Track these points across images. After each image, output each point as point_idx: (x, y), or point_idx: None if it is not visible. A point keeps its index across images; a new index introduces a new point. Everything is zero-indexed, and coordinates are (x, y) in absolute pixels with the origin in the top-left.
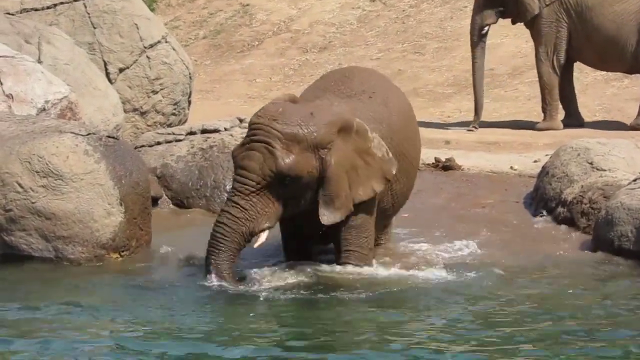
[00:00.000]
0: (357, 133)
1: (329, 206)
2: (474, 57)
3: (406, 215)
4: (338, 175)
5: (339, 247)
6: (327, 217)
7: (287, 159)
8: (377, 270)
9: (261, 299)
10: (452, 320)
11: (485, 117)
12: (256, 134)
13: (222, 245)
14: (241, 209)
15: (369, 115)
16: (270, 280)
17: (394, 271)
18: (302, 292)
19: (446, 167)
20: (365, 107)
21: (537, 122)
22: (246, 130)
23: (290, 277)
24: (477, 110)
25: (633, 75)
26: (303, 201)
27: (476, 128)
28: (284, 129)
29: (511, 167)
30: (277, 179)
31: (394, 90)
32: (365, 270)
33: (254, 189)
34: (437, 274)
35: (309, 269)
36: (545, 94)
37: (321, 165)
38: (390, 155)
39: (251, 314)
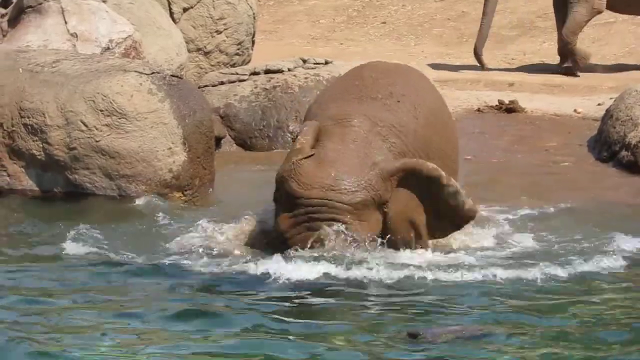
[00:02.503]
0: (428, 178)
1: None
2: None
3: (469, 157)
4: (395, 229)
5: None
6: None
7: (364, 231)
8: None
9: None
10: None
11: (549, 59)
12: (317, 211)
13: None
14: None
15: (393, 125)
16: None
17: None
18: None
19: (509, 109)
20: (389, 115)
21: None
22: (309, 70)
23: None
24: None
25: None
26: None
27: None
28: (352, 199)
29: (575, 110)
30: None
31: (428, 93)
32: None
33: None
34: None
35: None
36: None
37: (384, 219)
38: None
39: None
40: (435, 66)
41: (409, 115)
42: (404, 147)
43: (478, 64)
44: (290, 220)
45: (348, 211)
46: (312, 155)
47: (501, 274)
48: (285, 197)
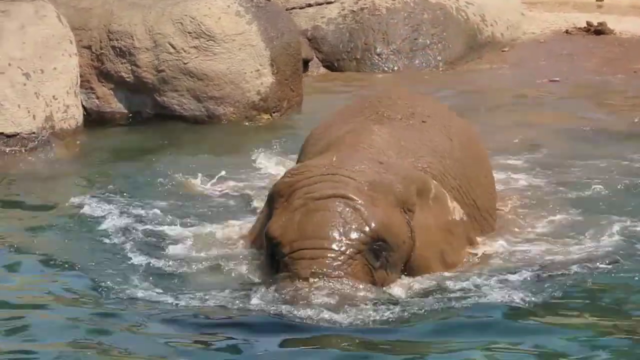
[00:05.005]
0: (435, 199)
1: None
2: None
3: (557, 79)
4: (426, 265)
5: None
6: None
7: (378, 215)
8: None
9: None
10: None
11: None
12: (319, 188)
13: None
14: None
15: (425, 145)
16: None
17: None
18: None
19: (598, 31)
20: (417, 135)
21: None
22: None
23: None
24: None
25: None
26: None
27: None
28: (363, 177)
29: None
30: (368, 247)
31: (454, 117)
32: None
33: (339, 268)
34: None
35: None
36: None
37: (411, 237)
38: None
39: None
40: None
41: (441, 135)
42: (442, 170)
43: None
44: (283, 214)
45: (357, 188)
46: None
47: None
48: (279, 202)
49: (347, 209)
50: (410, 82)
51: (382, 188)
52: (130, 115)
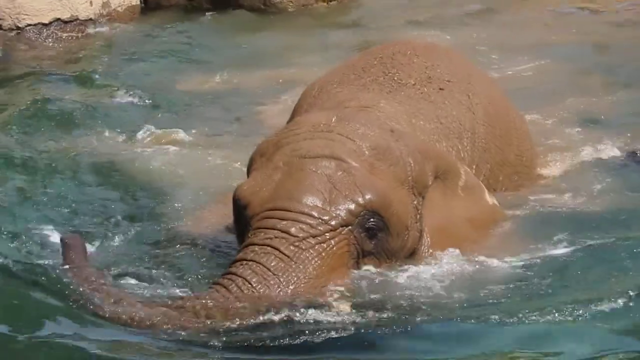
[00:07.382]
0: (467, 190)
1: None
2: None
3: None
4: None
5: None
6: None
7: (377, 185)
8: None
9: None
10: None
11: None
12: (308, 145)
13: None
14: (286, 259)
15: (439, 123)
16: None
17: None
18: None
19: None
20: (432, 109)
21: None
22: None
23: None
24: None
25: None
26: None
27: None
28: (364, 140)
29: None
30: (359, 222)
31: (481, 78)
32: None
33: (312, 240)
34: None
35: None
36: None
37: (417, 225)
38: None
39: None
40: None
41: (461, 107)
42: (460, 155)
43: None
44: (260, 172)
45: (356, 151)
46: None
47: None
48: (259, 162)
49: (339, 173)
50: None
51: (388, 157)
52: (188, 3)
